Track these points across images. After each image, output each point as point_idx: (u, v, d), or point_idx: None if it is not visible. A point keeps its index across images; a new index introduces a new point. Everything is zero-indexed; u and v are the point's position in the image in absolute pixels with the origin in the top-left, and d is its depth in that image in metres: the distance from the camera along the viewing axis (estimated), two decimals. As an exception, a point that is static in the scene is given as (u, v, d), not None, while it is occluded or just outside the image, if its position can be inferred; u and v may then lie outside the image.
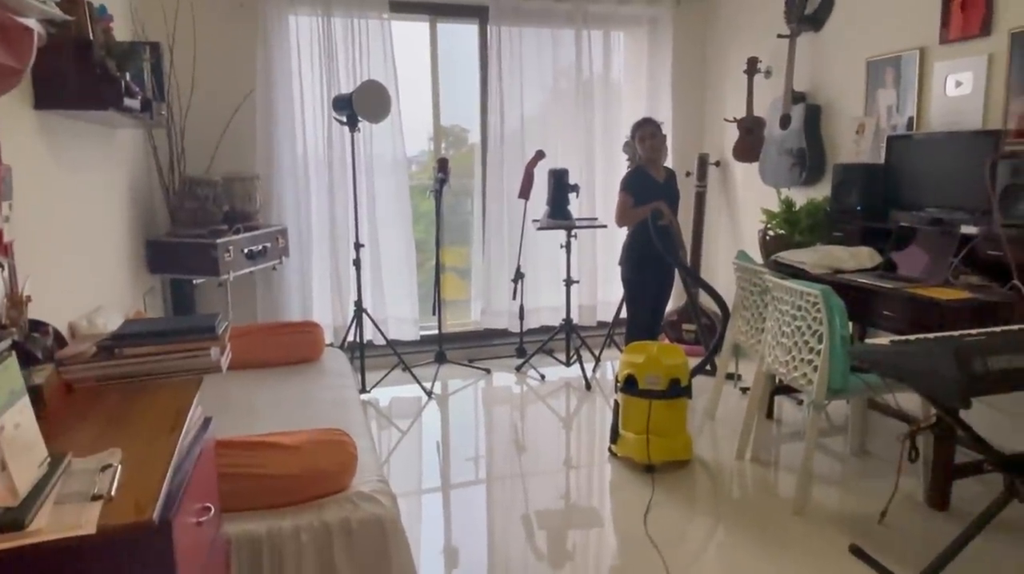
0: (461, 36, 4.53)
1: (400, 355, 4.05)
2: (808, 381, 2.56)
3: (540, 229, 4.20)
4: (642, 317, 3.67)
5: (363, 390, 3.87)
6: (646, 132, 3.56)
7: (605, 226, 4.29)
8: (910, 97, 3.25)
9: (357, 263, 3.83)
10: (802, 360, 2.60)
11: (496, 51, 4.37)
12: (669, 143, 4.62)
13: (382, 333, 4.10)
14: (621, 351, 3.56)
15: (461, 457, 3.20)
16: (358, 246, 3.84)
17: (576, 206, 4.53)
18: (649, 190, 3.55)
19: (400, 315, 4.40)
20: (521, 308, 4.46)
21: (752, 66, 4.14)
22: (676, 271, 3.75)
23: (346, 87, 4.07)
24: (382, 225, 4.28)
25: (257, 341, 2.96)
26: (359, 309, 3.88)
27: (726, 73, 4.62)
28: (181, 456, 1.36)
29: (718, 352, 3.52)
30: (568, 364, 4.40)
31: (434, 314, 4.10)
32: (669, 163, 4.53)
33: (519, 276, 4.36)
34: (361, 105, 3.62)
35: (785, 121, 3.87)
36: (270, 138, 3.99)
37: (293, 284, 4.13)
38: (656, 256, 3.50)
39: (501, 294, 4.60)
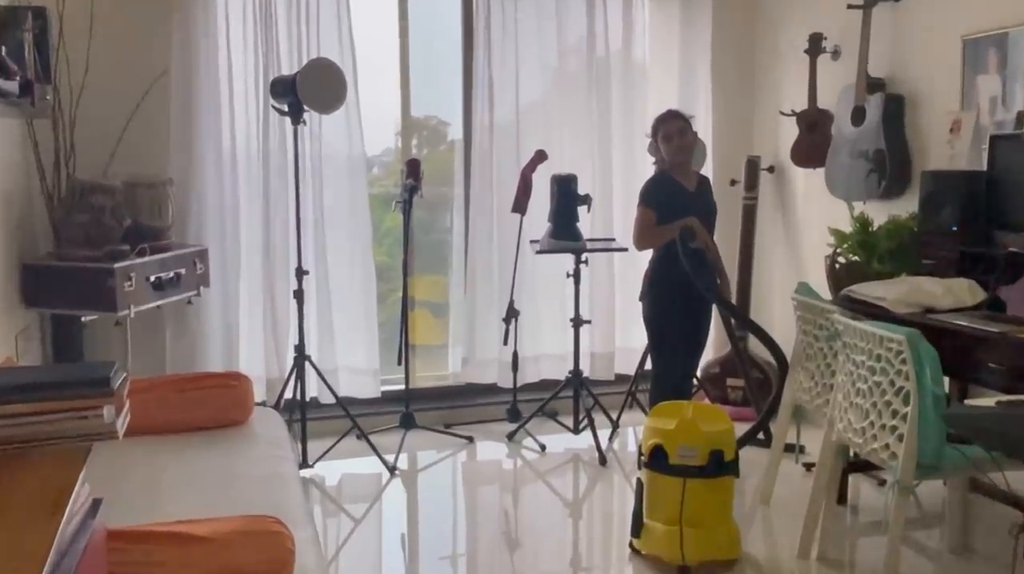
0: (439, 2, 4.62)
1: (354, 418, 4.04)
2: (891, 455, 2.56)
3: (540, 252, 4.23)
4: (672, 369, 3.68)
5: (304, 464, 3.85)
6: (670, 129, 3.61)
7: (625, 249, 4.33)
8: (1020, 86, 3.31)
9: (299, 296, 3.85)
10: (883, 427, 2.61)
11: (484, 22, 4.45)
12: (708, 143, 4.69)
13: (331, 389, 4.09)
14: (646, 414, 3.56)
15: (433, 555, 3.17)
16: (301, 273, 3.85)
17: (587, 223, 4.56)
18: (676, 202, 3.59)
19: (355, 365, 4.39)
20: (515, 357, 4.47)
21: (815, 45, 4.22)
22: (715, 309, 3.78)
23: (288, 68, 4.11)
24: (334, 246, 4.30)
25: (165, 398, 2.95)
26: (301, 357, 3.88)
27: (782, 53, 4.70)
28: (61, 550, 1.35)
29: (773, 416, 3.53)
30: (577, 431, 4.39)
31: (400, 364, 4.09)
32: (708, 169, 4.59)
33: (513, 314, 4.37)
34: (308, 91, 3.66)
35: (858, 115, 3.94)
36: (188, 133, 4.02)
37: (214, 323, 4.14)
38: (688, 288, 3.53)
39: (489, 338, 4.60)
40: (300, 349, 3.87)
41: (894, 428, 2.55)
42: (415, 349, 4.69)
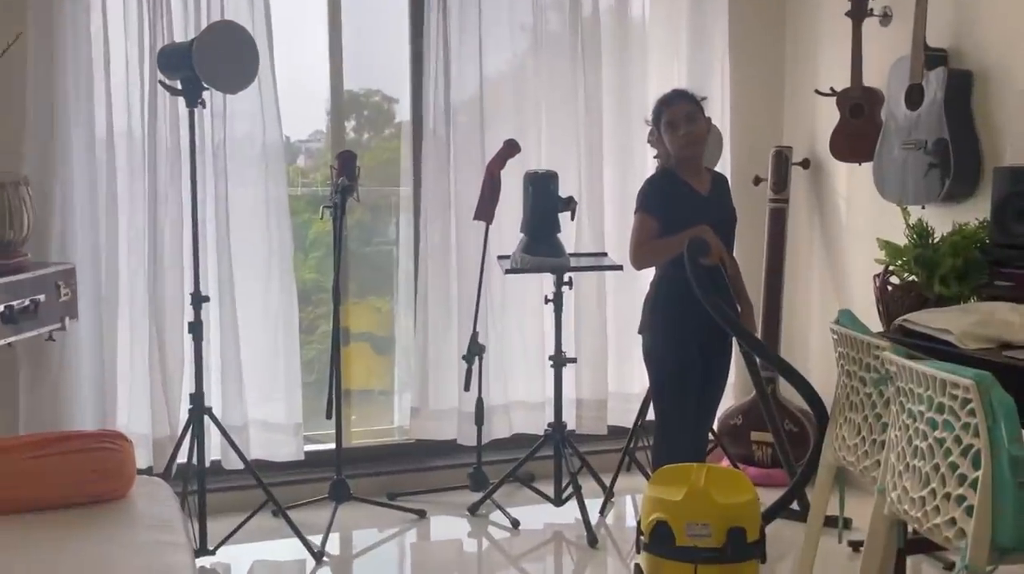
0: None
1: (269, 489, 4.00)
2: (958, 533, 2.55)
3: (512, 271, 4.24)
4: (681, 422, 3.70)
5: (203, 550, 3.81)
6: (677, 114, 3.63)
7: (620, 267, 4.35)
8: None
9: (197, 329, 3.84)
10: (947, 497, 2.60)
11: (439, -33, 4.51)
12: (725, 131, 4.72)
13: (238, 450, 4.05)
14: (647, 479, 3.56)
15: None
16: (199, 300, 3.85)
17: (571, 234, 4.59)
18: (684, 207, 3.63)
19: (271, 419, 4.39)
20: (479, 406, 4.46)
21: (860, 7, 4.27)
22: (735, 343, 3.82)
23: (182, 33, 4.10)
24: (243, 263, 4.30)
25: (17, 466, 2.91)
26: (199, 409, 3.85)
27: (818, 18, 4.75)
28: None
29: (810, 481, 3.55)
30: (559, 502, 4.39)
31: (330, 417, 4.07)
32: (724, 164, 4.64)
33: (476, 351, 4.37)
34: (207, 63, 3.65)
35: (915, 96, 3.98)
36: (49, 117, 4.00)
37: (84, 366, 4.10)
38: (701, 317, 3.56)
39: (446, 381, 4.61)
40: (198, 399, 3.84)
41: (962, 498, 2.55)
42: (350, 397, 4.70)
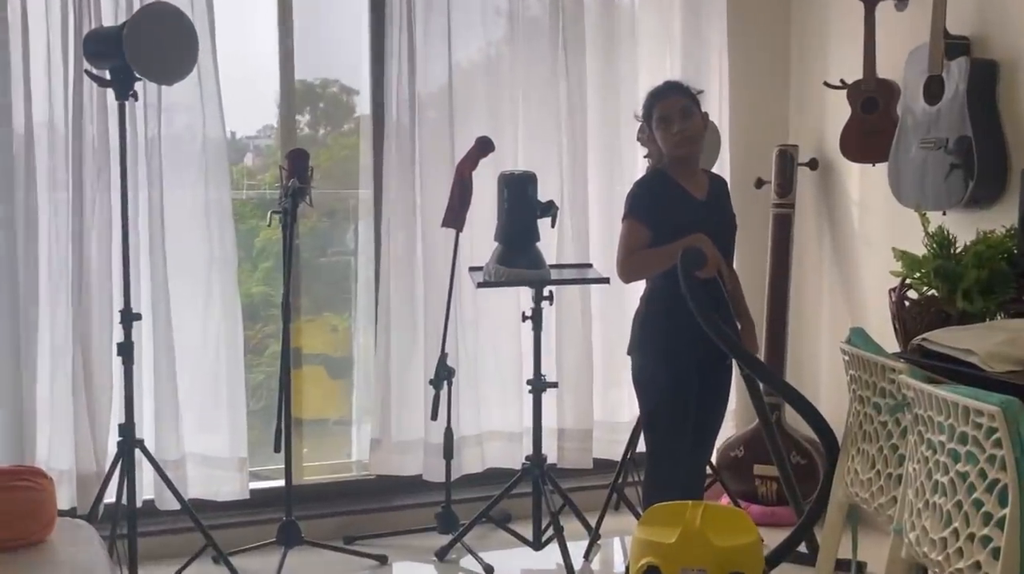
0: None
1: (209, 531, 3.98)
2: (984, 576, 2.59)
3: (485, 285, 4.24)
4: (673, 454, 3.70)
5: (134, 602, 3.78)
6: (670, 109, 3.64)
7: (606, 280, 4.35)
8: None
9: (127, 351, 3.83)
10: (971, 538, 2.61)
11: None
12: (723, 128, 4.74)
13: (174, 489, 4.04)
14: (637, 519, 3.56)
15: None
16: (130, 317, 3.84)
17: (552, 243, 4.60)
18: (677, 214, 3.63)
19: (211, 452, 4.37)
20: (448, 437, 4.44)
21: (874, -11, 4.33)
22: (734, 366, 3.84)
23: (112, 17, 4.09)
24: (180, 275, 4.30)
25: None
26: (129, 441, 3.83)
27: (827, 3, 4.77)
28: None
29: (820, 519, 3.56)
30: (538, 545, 4.38)
31: (278, 450, 4.06)
32: (722, 165, 4.65)
33: (445, 375, 4.36)
34: (140, 50, 3.64)
35: (934, 89, 4.00)
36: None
37: (-3, 393, 4.09)
38: (696, 336, 3.58)
39: (410, 409, 4.61)
40: (128, 430, 3.82)
41: (987, 539, 2.55)
42: (302, 427, 4.68)
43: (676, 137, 3.63)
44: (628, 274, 3.72)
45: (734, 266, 3.82)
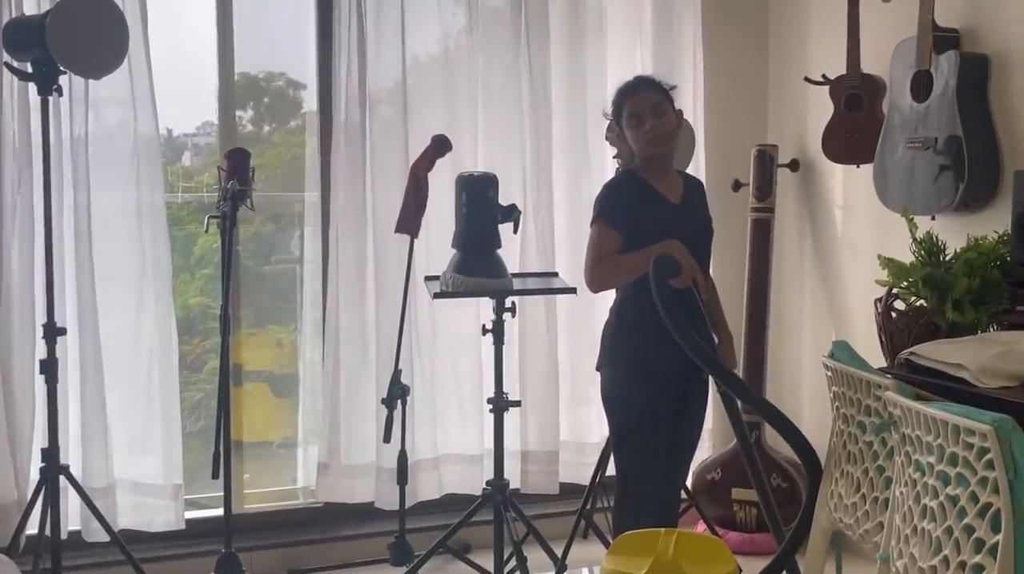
0: None
1: (141, 565, 3.95)
2: (977, 609, 2.58)
3: (442, 296, 4.17)
4: (646, 477, 3.67)
5: (57, 641, 3.72)
6: (641, 105, 3.60)
7: (574, 290, 4.29)
8: None
9: (50, 369, 3.79)
10: (962, 565, 2.60)
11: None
12: (698, 127, 4.73)
13: (102, 519, 4.00)
14: (606, 547, 3.53)
15: None
16: (53, 332, 3.80)
17: (515, 250, 4.57)
18: (650, 217, 3.60)
19: (143, 479, 4.32)
20: (403, 460, 4.39)
21: (857, -21, 4.29)
22: (711, 383, 3.80)
23: (34, 5, 4.04)
24: (109, 285, 4.25)
25: None
26: (53, 467, 3.79)
27: (807, -7, 4.78)
28: None
29: (801, 547, 3.54)
30: (500, 579, 4.35)
31: (217, 476, 4.01)
32: (697, 165, 4.63)
33: (399, 393, 4.31)
34: (64, 40, 3.60)
35: (922, 85, 3.98)
36: None
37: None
38: (670, 350, 3.55)
39: (361, 431, 4.57)
40: (52, 455, 3.78)
41: (979, 568, 2.55)
42: (242, 450, 4.62)
43: (648, 135, 3.60)
44: (597, 283, 3.68)
45: (710, 274, 3.78)
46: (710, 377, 3.71)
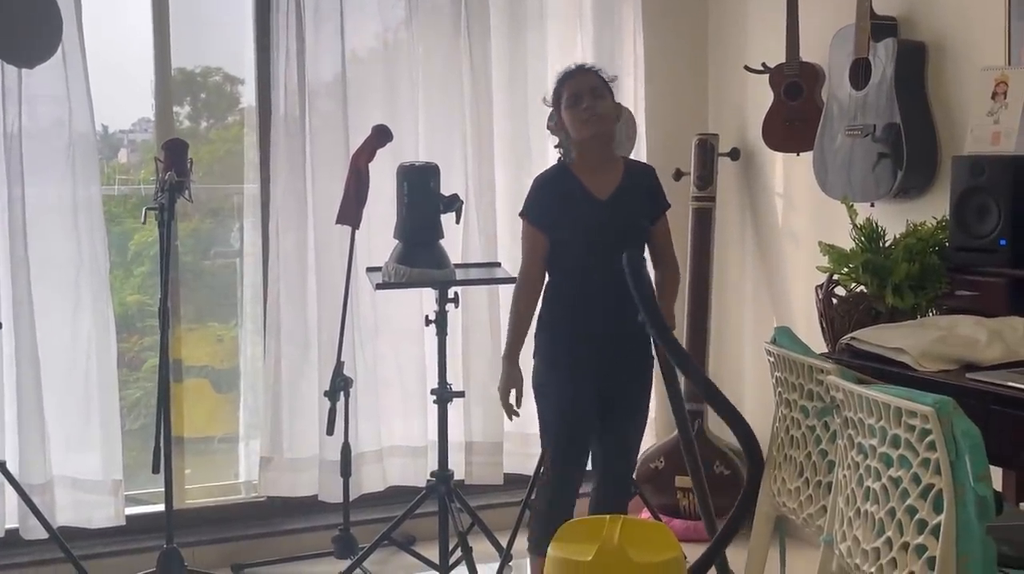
0: None
1: (81, 563, 3.93)
2: (919, 588, 2.60)
3: (384, 287, 4.20)
4: (559, 469, 3.71)
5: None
6: (579, 86, 3.60)
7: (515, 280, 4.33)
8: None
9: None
10: (904, 546, 2.61)
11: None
12: (639, 116, 4.75)
13: (40, 516, 3.97)
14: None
15: None
16: (-12, 326, 3.79)
17: (457, 240, 4.59)
18: (572, 215, 3.60)
19: (82, 475, 4.30)
20: (346, 453, 4.39)
21: (795, -33, 4.37)
22: (655, 364, 3.75)
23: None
24: (44, 280, 4.23)
25: None
26: (-11, 464, 3.77)
27: (746, -21, 4.87)
28: None
29: (739, 528, 3.54)
30: (445, 569, 4.31)
31: (157, 471, 3.98)
32: (638, 156, 4.65)
33: (342, 385, 4.32)
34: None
35: (861, 73, 4.03)
36: None
37: None
38: (597, 338, 3.58)
39: (304, 425, 4.59)
40: (-13, 452, 3.76)
41: (922, 548, 2.56)
42: (183, 445, 4.62)
43: (585, 114, 3.58)
44: (513, 299, 3.73)
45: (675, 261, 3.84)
46: (654, 367, 3.70)
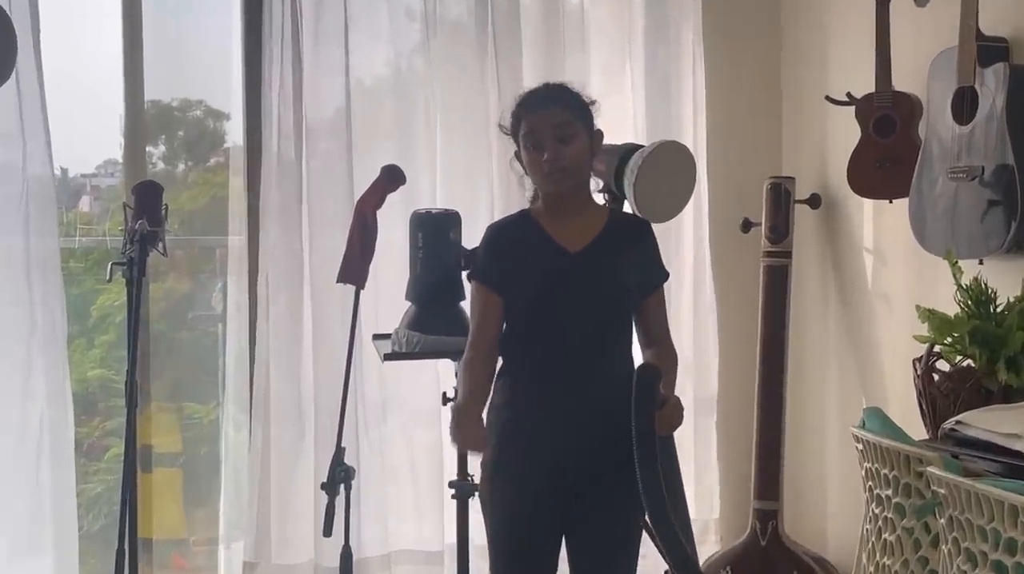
0: None
1: None
2: None
3: (393, 358, 4.14)
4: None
5: None
6: (540, 125, 3.29)
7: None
8: None
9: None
10: None
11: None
12: (699, 157, 4.67)
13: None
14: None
15: None
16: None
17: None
18: (531, 271, 3.36)
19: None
20: (346, 559, 4.24)
21: (887, -18, 4.28)
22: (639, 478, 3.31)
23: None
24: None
25: None
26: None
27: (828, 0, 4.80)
28: None
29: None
30: None
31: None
32: (699, 199, 4.65)
33: (342, 476, 4.23)
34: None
35: (966, 104, 3.95)
36: None
37: None
38: (554, 441, 3.30)
39: (296, 523, 4.55)
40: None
41: None
42: (152, 549, 4.61)
43: (546, 166, 3.31)
44: (459, 381, 3.45)
45: (670, 338, 3.56)
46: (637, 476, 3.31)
